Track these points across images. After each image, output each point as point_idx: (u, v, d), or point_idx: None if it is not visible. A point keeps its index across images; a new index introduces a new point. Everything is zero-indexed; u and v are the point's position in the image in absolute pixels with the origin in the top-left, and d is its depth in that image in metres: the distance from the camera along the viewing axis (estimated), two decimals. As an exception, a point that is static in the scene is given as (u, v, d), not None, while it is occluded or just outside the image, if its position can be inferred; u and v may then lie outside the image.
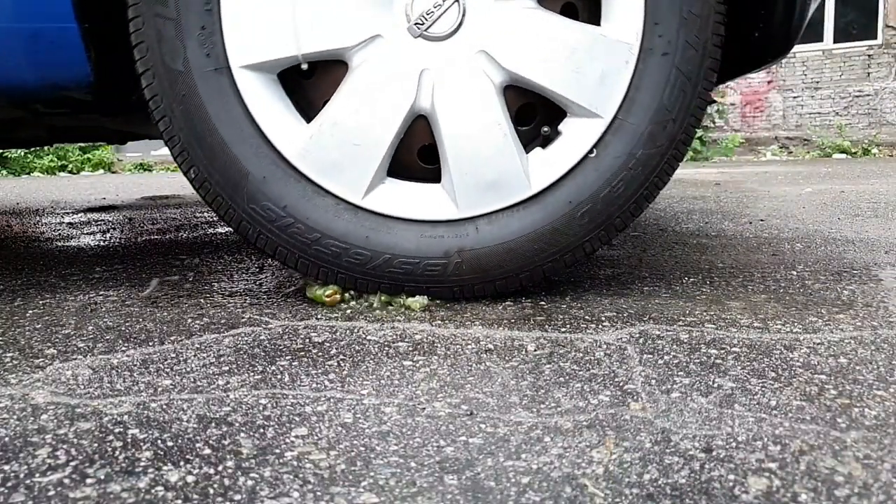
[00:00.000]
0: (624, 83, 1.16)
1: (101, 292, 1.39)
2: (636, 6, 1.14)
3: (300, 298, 1.29)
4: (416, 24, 1.14)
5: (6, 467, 0.65)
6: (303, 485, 0.61)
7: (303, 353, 0.97)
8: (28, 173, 10.34)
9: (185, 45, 1.14)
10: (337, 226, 1.18)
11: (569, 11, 1.21)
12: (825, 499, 0.57)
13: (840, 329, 1.05)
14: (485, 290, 1.22)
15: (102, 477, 0.63)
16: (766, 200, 3.04)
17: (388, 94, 1.16)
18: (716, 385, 0.83)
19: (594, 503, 0.57)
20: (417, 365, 0.92)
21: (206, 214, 3.08)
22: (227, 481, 0.62)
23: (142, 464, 0.65)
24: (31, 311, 1.24)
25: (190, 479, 0.62)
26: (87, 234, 2.46)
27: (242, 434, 0.71)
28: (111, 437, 0.71)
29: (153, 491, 0.60)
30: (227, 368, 0.92)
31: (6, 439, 0.71)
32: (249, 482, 0.61)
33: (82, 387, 0.85)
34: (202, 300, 1.30)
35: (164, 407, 0.79)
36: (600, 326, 1.08)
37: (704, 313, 1.15)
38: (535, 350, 0.97)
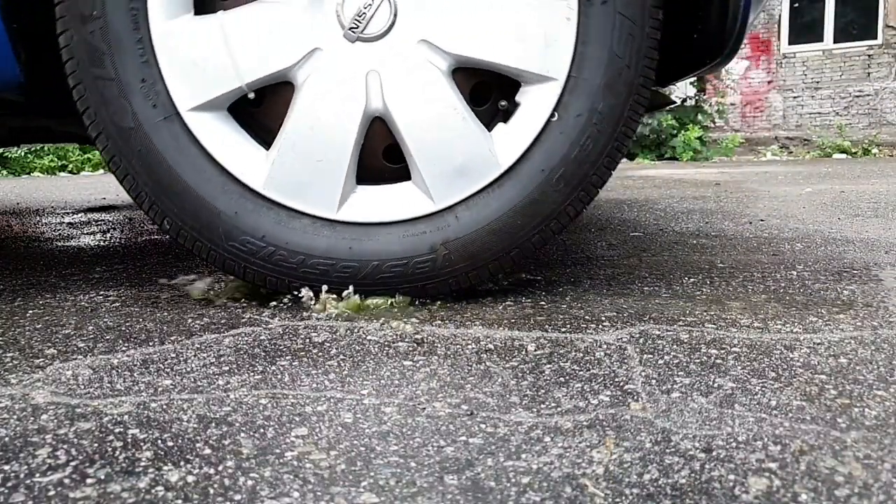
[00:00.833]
0: (570, 40, 1.14)
1: (101, 292, 1.39)
2: None
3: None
4: (350, 29, 1.13)
5: (6, 467, 0.65)
6: (303, 485, 0.61)
7: (303, 353, 0.97)
8: (28, 173, 10.35)
9: (130, 102, 1.14)
10: (319, 244, 1.18)
11: None
12: (825, 499, 0.57)
13: (840, 329, 1.05)
14: (479, 275, 1.21)
15: (102, 477, 0.63)
16: (766, 200, 3.04)
17: (339, 104, 1.15)
18: (716, 385, 0.83)
19: (594, 503, 0.57)
20: (417, 365, 0.92)
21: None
22: (227, 481, 0.62)
23: (142, 464, 0.65)
24: (31, 311, 1.24)
25: (190, 479, 0.62)
26: (87, 234, 2.46)
27: (242, 434, 0.71)
28: (111, 437, 0.71)
29: (153, 491, 0.60)
30: (227, 368, 0.92)
31: (6, 439, 0.71)
32: (249, 482, 0.61)
33: (82, 387, 0.85)
34: (202, 300, 1.30)
35: (164, 407, 0.79)
36: (600, 326, 1.08)
37: (704, 313, 1.15)
38: (535, 350, 0.97)
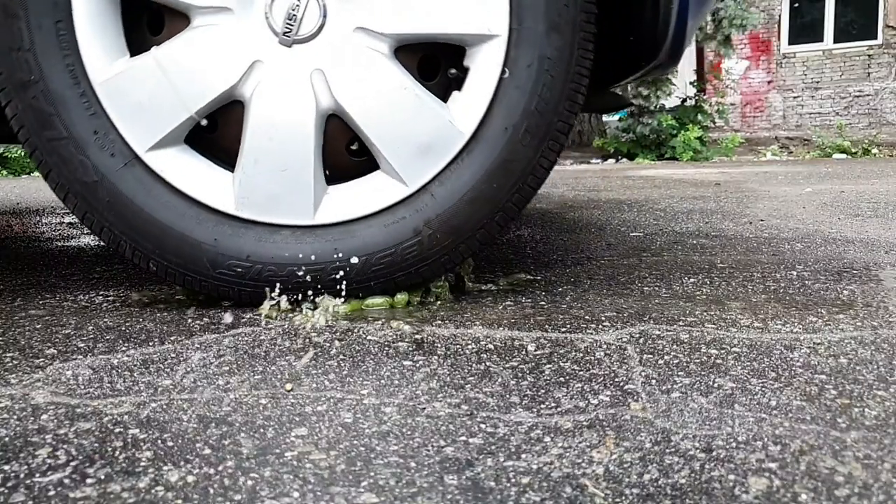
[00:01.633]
0: None
1: (101, 292, 1.39)
2: None
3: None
4: (284, 34, 1.12)
5: (6, 467, 0.65)
6: (303, 485, 0.61)
7: (303, 353, 0.97)
8: (28, 173, 10.35)
9: (88, 156, 1.14)
10: (304, 252, 1.18)
11: None
12: (825, 499, 0.57)
13: (840, 329, 1.05)
14: (469, 247, 1.20)
15: (102, 477, 0.63)
16: (766, 200, 3.04)
17: (291, 110, 1.14)
18: (716, 385, 0.83)
19: (594, 503, 0.57)
20: (417, 365, 0.92)
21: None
22: (227, 481, 0.62)
23: (142, 464, 0.65)
24: (31, 311, 1.24)
25: (190, 479, 0.62)
26: (87, 233, 2.46)
27: (242, 434, 0.71)
28: (111, 437, 0.71)
29: (153, 491, 0.60)
30: (227, 368, 0.92)
31: (6, 439, 0.71)
32: (249, 482, 0.61)
33: (82, 387, 0.85)
34: (202, 299, 1.30)
35: (164, 407, 0.79)
36: (600, 326, 1.08)
37: (704, 313, 1.15)
38: (535, 350, 0.97)
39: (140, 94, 1.13)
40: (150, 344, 1.03)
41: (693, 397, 0.79)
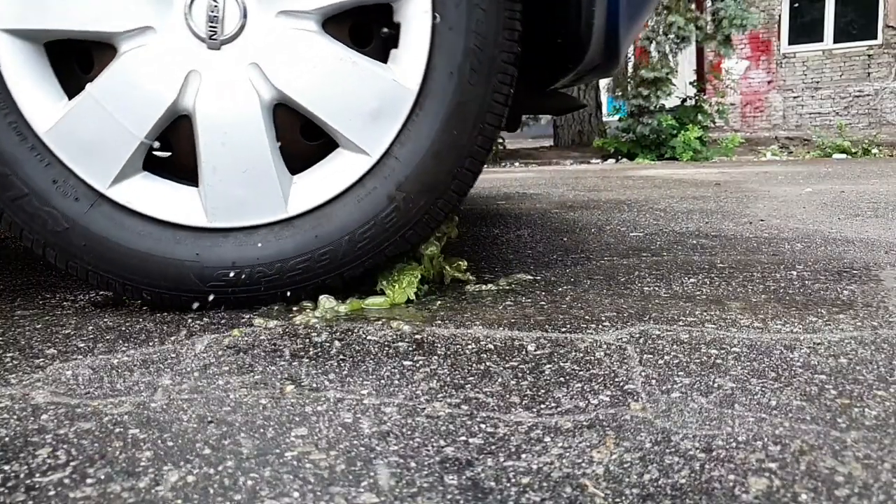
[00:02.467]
0: None
1: (101, 292, 1.39)
2: None
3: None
4: (210, 38, 1.11)
5: (7, 467, 0.65)
6: (303, 485, 0.61)
7: (303, 353, 0.97)
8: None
9: (53, 207, 1.14)
10: (287, 246, 1.17)
11: None
12: (825, 499, 0.57)
13: (840, 329, 1.05)
14: (447, 201, 1.19)
15: (102, 477, 0.63)
16: (766, 200, 3.04)
17: (236, 111, 1.13)
18: (716, 385, 0.83)
19: (594, 503, 0.57)
20: (417, 365, 0.92)
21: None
22: (227, 481, 0.62)
23: (142, 464, 0.65)
24: (31, 311, 1.24)
25: (190, 479, 0.62)
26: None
27: (242, 434, 0.71)
28: (111, 437, 0.71)
29: (153, 491, 0.60)
30: (227, 368, 0.92)
31: (6, 439, 0.71)
32: (249, 482, 0.61)
33: (82, 387, 0.85)
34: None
35: (164, 407, 0.79)
36: (600, 326, 1.08)
37: (704, 313, 1.15)
38: (535, 350, 0.97)
39: (87, 134, 1.13)
40: (150, 344, 1.03)
41: (693, 397, 0.79)
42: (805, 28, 12.26)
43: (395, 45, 1.18)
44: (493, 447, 0.68)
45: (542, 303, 1.24)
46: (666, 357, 0.93)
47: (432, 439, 0.69)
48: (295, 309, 1.20)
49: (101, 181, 1.14)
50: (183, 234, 1.17)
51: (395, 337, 1.04)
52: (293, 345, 1.01)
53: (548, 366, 0.90)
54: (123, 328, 1.12)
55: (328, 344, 1.01)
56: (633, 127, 8.54)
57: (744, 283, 1.37)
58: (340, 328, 1.09)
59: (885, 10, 11.51)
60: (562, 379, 0.85)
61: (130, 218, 1.16)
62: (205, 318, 1.16)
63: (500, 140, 8.95)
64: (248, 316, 1.17)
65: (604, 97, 10.52)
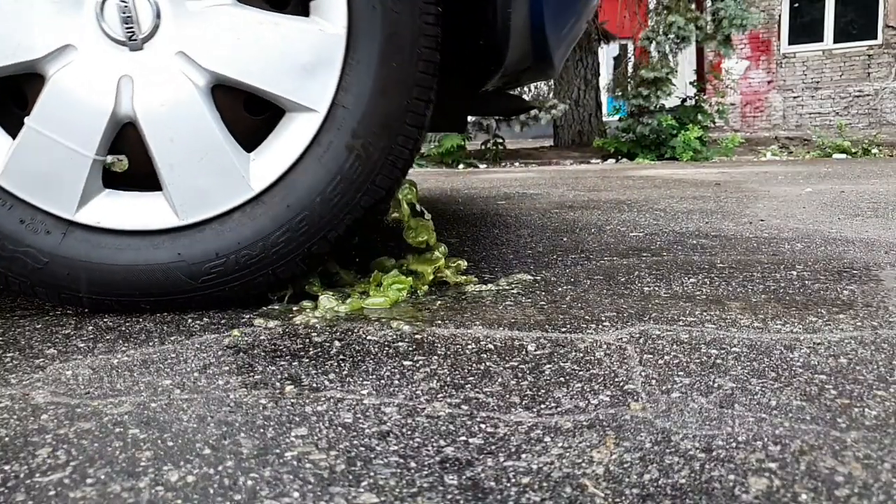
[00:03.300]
0: None
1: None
2: None
3: (300, 298, 1.28)
4: (130, 39, 1.11)
5: (7, 467, 0.65)
6: (303, 485, 0.61)
7: (303, 353, 0.97)
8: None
9: (28, 245, 1.14)
10: (266, 225, 1.16)
11: None
12: (825, 499, 0.57)
13: (840, 329, 1.05)
14: (409, 136, 1.18)
15: (102, 477, 0.63)
16: (766, 200, 3.04)
17: (174, 103, 1.13)
18: (716, 385, 0.83)
19: (594, 503, 0.57)
20: (417, 365, 0.92)
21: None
22: (227, 481, 0.62)
23: (142, 464, 0.65)
24: (31, 311, 1.24)
25: (190, 479, 0.62)
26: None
27: (242, 434, 0.71)
28: (111, 437, 0.71)
29: (153, 491, 0.60)
30: (227, 368, 0.92)
31: (6, 439, 0.71)
32: (249, 482, 0.61)
33: (82, 387, 0.85)
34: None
35: (164, 407, 0.79)
36: (600, 326, 1.08)
37: (704, 313, 1.15)
38: (535, 350, 0.97)
39: (40, 166, 1.13)
40: (150, 344, 1.03)
41: (693, 397, 0.79)
42: (805, 28, 12.26)
43: None
44: (493, 447, 0.68)
45: (542, 303, 1.24)
46: (666, 357, 0.93)
47: (432, 439, 0.69)
48: (295, 309, 1.20)
49: (66, 209, 1.15)
50: (160, 239, 1.17)
51: (395, 337, 1.04)
52: (293, 345, 1.01)
53: (548, 366, 0.90)
54: (123, 328, 1.12)
55: (328, 344, 1.01)
56: (633, 127, 8.54)
57: (744, 283, 1.37)
58: (340, 328, 1.09)
59: (885, 10, 11.51)
60: (562, 379, 0.85)
61: (105, 236, 1.16)
62: (205, 318, 1.16)
63: (501, 140, 8.95)
64: (248, 316, 1.17)
65: (604, 97, 10.52)
